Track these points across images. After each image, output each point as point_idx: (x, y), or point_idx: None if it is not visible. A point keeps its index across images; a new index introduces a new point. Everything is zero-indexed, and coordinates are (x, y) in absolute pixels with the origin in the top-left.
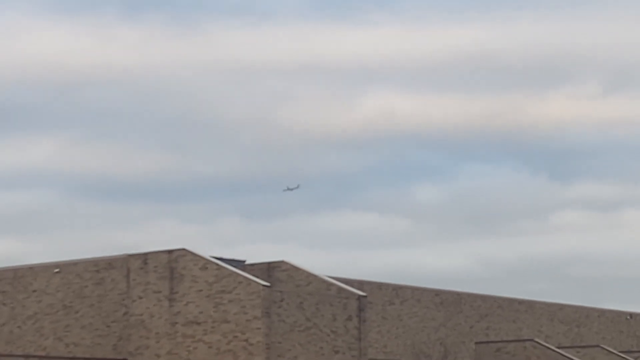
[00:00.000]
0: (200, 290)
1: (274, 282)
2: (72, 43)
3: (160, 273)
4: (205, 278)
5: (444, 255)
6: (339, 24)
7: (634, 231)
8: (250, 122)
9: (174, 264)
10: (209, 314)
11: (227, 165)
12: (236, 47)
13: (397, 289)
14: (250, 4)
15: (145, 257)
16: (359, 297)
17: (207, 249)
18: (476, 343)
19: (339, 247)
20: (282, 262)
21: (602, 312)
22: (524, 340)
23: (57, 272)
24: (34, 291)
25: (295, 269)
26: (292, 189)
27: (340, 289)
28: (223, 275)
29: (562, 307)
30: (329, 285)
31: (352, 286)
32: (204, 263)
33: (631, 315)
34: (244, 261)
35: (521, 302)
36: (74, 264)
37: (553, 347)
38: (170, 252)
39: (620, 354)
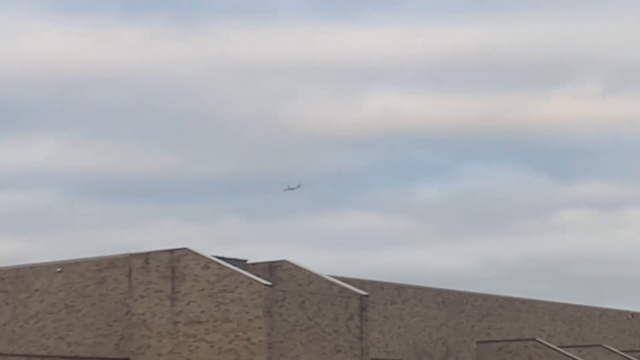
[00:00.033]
0: (202, 290)
1: (275, 281)
2: (73, 43)
3: (162, 272)
4: (207, 277)
5: (445, 255)
6: (341, 23)
7: (636, 230)
8: (251, 121)
9: (175, 264)
10: (210, 313)
11: (229, 164)
12: (237, 46)
13: (399, 289)
14: (251, 3)
15: (147, 257)
16: (361, 296)
17: (209, 249)
18: (478, 342)
19: (341, 247)
20: (283, 261)
21: (604, 312)
22: (526, 340)
23: (59, 271)
24: (36, 290)
25: (297, 268)
26: (292, 189)
27: (342, 289)
28: (225, 274)
29: (563, 306)
30: (331, 284)
31: (354, 285)
32: (205, 262)
33: (633, 314)
34: (246, 260)
35: (523, 301)
36: (76, 263)
37: (555, 347)
38: (172, 251)
39: (622, 353)
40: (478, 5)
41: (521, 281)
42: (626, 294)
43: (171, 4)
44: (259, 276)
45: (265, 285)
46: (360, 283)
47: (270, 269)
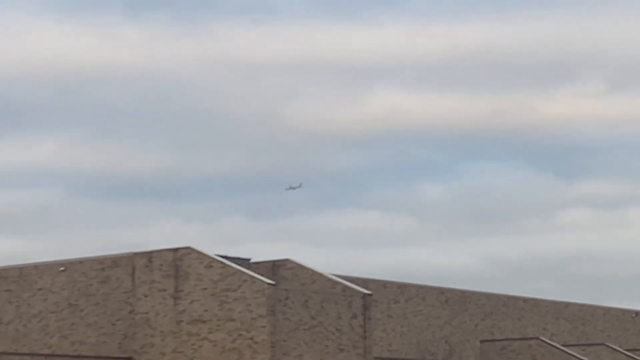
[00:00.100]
0: (205, 289)
1: (279, 280)
2: (74, 42)
3: (165, 271)
4: (210, 276)
5: (448, 254)
6: (344, 22)
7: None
8: (253, 120)
9: (179, 262)
10: (214, 312)
11: (231, 163)
12: (239, 45)
13: (402, 287)
14: (253, 2)
15: (150, 256)
16: (364, 295)
17: (212, 248)
18: (481, 341)
19: (343, 246)
20: (287, 260)
21: (607, 310)
22: (529, 339)
23: (62, 270)
24: (40, 289)
25: (300, 267)
26: (294, 188)
27: (345, 287)
28: (228, 273)
29: (567, 305)
30: (334, 283)
31: (357, 284)
32: (209, 261)
33: (636, 313)
34: (249, 259)
35: (526, 300)
36: (80, 262)
37: (558, 345)
38: (175, 250)
39: (625, 352)
40: (480, 5)
41: (524, 280)
42: (629, 292)
43: (172, 4)
44: (262, 275)
45: (269, 284)
46: (364, 282)
47: (274, 268)
